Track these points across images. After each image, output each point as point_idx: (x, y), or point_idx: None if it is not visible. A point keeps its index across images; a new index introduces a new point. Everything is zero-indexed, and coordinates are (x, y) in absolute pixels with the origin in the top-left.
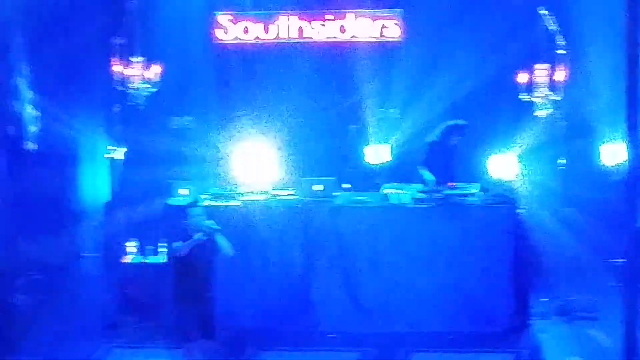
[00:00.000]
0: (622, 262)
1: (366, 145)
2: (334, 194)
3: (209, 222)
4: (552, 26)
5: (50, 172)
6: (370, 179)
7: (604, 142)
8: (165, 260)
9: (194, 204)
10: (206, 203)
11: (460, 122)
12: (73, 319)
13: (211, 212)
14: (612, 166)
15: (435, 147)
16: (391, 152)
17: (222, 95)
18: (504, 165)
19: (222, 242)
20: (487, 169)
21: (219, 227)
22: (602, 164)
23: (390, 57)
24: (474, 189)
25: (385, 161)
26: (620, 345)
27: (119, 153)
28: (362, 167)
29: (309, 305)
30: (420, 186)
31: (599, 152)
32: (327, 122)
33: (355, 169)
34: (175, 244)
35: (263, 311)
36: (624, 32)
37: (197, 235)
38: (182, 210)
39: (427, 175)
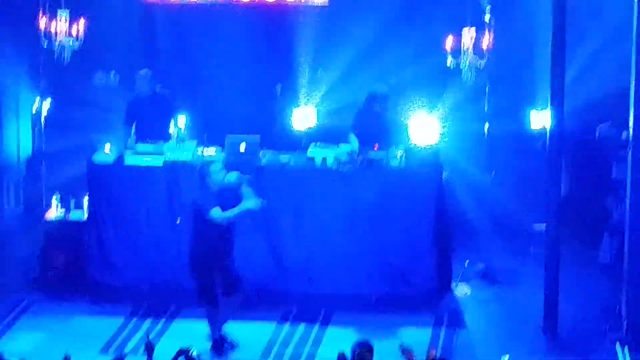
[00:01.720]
0: (543, 227)
1: (294, 106)
2: (259, 152)
3: (232, 175)
4: None
5: None
6: (296, 141)
7: (533, 108)
8: (86, 218)
9: (210, 161)
10: (128, 161)
11: (380, 91)
12: None
13: (133, 171)
14: (538, 132)
15: (360, 115)
16: (317, 115)
17: (148, 53)
18: (426, 129)
19: (247, 194)
20: (409, 133)
21: (244, 177)
22: (530, 129)
23: (317, 19)
24: (398, 151)
25: (311, 125)
26: (541, 310)
27: (43, 107)
28: (288, 130)
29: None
30: (346, 148)
31: (528, 118)
32: (254, 82)
33: (282, 131)
34: (214, 211)
35: (185, 271)
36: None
37: (246, 205)
38: (202, 168)
39: (354, 140)
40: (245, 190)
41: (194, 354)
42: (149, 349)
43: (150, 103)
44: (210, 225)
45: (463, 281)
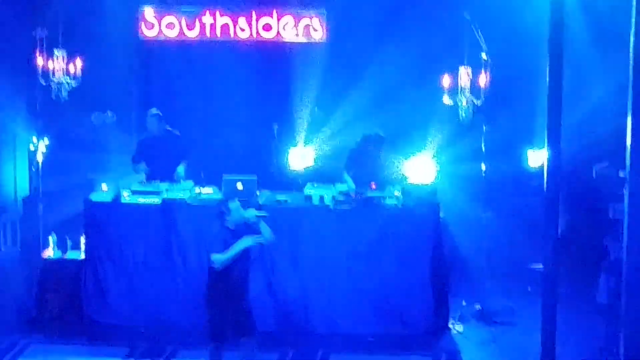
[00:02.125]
0: (540, 268)
1: (291, 146)
2: (256, 192)
3: (250, 212)
4: (476, 31)
5: None
6: (293, 181)
7: (530, 147)
8: (84, 257)
9: (229, 199)
10: (125, 200)
11: (376, 133)
12: None
13: (130, 210)
14: (535, 171)
15: (354, 155)
16: (315, 155)
17: (145, 92)
18: (423, 168)
19: (264, 230)
20: (405, 172)
21: (262, 214)
22: (527, 168)
23: (315, 57)
24: (395, 191)
25: (308, 165)
26: (538, 351)
27: (40, 146)
28: (285, 170)
29: None
30: (342, 187)
31: (524, 157)
32: (251, 121)
33: (278, 171)
34: (214, 256)
35: (183, 310)
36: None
37: (237, 246)
38: (219, 207)
39: (348, 180)
40: (263, 227)
41: None
42: None
43: (162, 142)
44: (227, 265)
45: (460, 322)
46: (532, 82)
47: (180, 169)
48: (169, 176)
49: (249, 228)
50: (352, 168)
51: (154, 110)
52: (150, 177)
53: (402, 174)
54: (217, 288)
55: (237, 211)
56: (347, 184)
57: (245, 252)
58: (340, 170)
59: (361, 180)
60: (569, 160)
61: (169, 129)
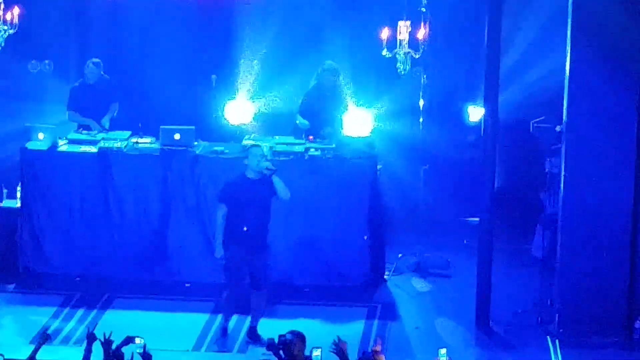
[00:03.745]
0: (477, 221)
1: (229, 99)
2: (194, 143)
3: (267, 164)
4: None
5: None
6: (232, 133)
7: (471, 104)
8: (19, 206)
9: (255, 145)
10: (62, 148)
11: (330, 64)
12: None
13: (67, 158)
14: (474, 125)
15: (312, 92)
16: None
17: (82, 41)
18: (360, 120)
19: (279, 184)
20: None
21: (275, 168)
22: (467, 124)
23: (254, 8)
24: (333, 142)
25: (247, 119)
26: (473, 303)
27: None
28: (223, 122)
29: (165, 255)
30: (282, 139)
31: (465, 112)
32: (189, 72)
33: (216, 123)
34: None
35: (119, 260)
36: None
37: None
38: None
39: (302, 121)
40: (277, 181)
41: (142, 342)
42: (91, 339)
43: (95, 89)
44: (246, 216)
45: (397, 274)
46: (473, 37)
47: (106, 120)
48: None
49: (262, 181)
50: (304, 109)
51: (95, 60)
52: (82, 124)
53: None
54: (233, 234)
55: (256, 158)
56: (300, 123)
57: (265, 201)
58: (282, 122)
59: (315, 119)
60: (506, 115)
61: (103, 74)
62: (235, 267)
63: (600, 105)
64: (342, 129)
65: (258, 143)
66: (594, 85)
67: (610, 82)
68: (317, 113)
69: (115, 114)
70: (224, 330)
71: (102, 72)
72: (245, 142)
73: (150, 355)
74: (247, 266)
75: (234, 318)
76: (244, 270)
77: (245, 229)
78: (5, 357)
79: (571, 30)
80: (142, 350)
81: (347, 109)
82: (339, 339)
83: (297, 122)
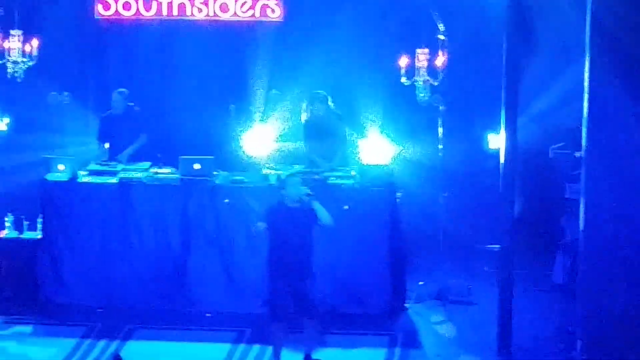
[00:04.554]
0: (497, 248)
1: (247, 128)
2: (213, 172)
3: (306, 190)
4: (433, 12)
5: None
6: (251, 163)
7: (490, 131)
8: (40, 237)
9: (293, 173)
10: (82, 179)
11: (313, 92)
12: None
13: (87, 189)
14: (493, 153)
15: (307, 124)
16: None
17: (100, 72)
18: (379, 148)
19: (320, 210)
20: (361, 152)
21: (314, 194)
22: (487, 150)
23: (272, 37)
24: (352, 171)
25: (265, 148)
26: (495, 330)
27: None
28: (242, 151)
29: (186, 284)
30: (300, 167)
31: (484, 139)
32: (208, 102)
33: (235, 152)
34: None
35: (140, 291)
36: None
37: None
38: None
39: (316, 159)
40: (318, 206)
41: None
42: None
43: (124, 120)
44: (288, 244)
45: (418, 302)
46: (491, 64)
47: (124, 155)
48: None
49: (302, 209)
50: (307, 141)
51: (120, 89)
52: (112, 154)
53: (359, 155)
54: (276, 264)
55: (293, 187)
56: (315, 163)
57: (307, 228)
58: (303, 151)
59: (323, 155)
60: (525, 141)
61: (131, 104)
62: (281, 297)
63: (620, 129)
64: (352, 153)
65: (294, 172)
66: (614, 110)
67: (631, 106)
68: (320, 144)
69: (142, 144)
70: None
71: (129, 103)
72: (265, 171)
73: None
74: (293, 296)
75: (257, 348)
76: (289, 301)
77: None
78: None
79: (590, 54)
80: None
81: (350, 133)
82: None
83: (311, 157)
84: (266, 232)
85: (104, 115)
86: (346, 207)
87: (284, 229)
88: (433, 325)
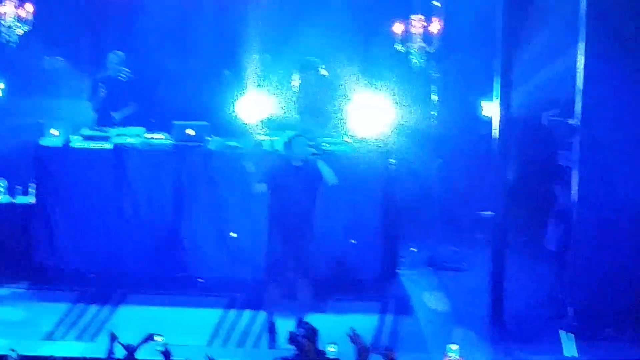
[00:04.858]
0: (490, 214)
1: (243, 94)
2: (207, 138)
3: (312, 150)
4: None
5: None
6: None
7: (485, 99)
8: (33, 202)
9: (297, 135)
10: (76, 145)
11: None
12: None
13: (81, 155)
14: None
15: (300, 92)
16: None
17: (94, 36)
18: (373, 115)
19: (325, 169)
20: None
21: (320, 153)
22: (481, 118)
23: (266, 2)
24: (345, 137)
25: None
26: (486, 296)
27: None
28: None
29: (178, 250)
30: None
31: (478, 107)
32: (202, 67)
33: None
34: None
35: (133, 256)
36: None
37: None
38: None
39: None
40: (322, 165)
41: (162, 340)
42: (113, 338)
43: (117, 84)
44: (291, 202)
45: (411, 268)
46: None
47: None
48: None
49: (307, 168)
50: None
51: (118, 52)
52: (101, 118)
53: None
54: (277, 223)
55: (299, 147)
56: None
57: (311, 187)
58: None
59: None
60: (519, 108)
61: (126, 70)
62: (279, 257)
63: (615, 97)
64: (345, 121)
65: (297, 134)
66: (609, 78)
67: (626, 74)
68: (314, 110)
69: (130, 112)
70: (271, 326)
71: (124, 68)
72: (259, 137)
73: (170, 353)
74: (292, 258)
75: (248, 313)
76: (287, 261)
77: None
78: (18, 352)
79: (586, 23)
80: (163, 348)
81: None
82: (354, 333)
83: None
84: (267, 191)
85: (98, 76)
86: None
87: (287, 187)
88: (425, 291)
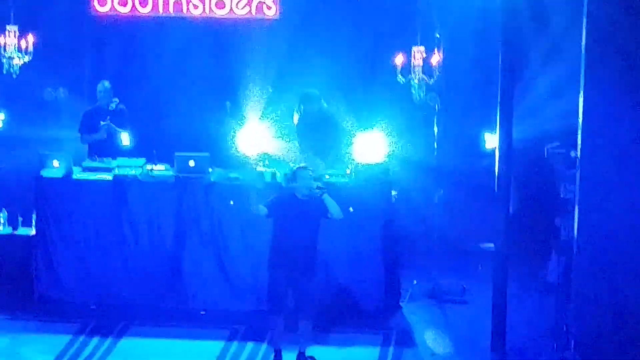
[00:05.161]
0: (491, 247)
1: (244, 125)
2: (208, 169)
3: (317, 184)
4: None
5: None
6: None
7: (487, 131)
8: (34, 233)
9: (302, 167)
10: (77, 176)
11: (303, 92)
12: None
13: (81, 186)
14: (488, 152)
15: (300, 123)
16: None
17: (97, 68)
18: (373, 146)
19: (331, 204)
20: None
21: (325, 188)
22: (483, 150)
23: (268, 34)
24: (347, 169)
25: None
26: (489, 329)
27: None
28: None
29: (180, 282)
30: (295, 165)
31: (482, 139)
32: (203, 99)
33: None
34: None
35: (135, 288)
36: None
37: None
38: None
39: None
40: (328, 200)
41: None
42: None
43: (108, 114)
44: (294, 235)
45: (413, 300)
46: (487, 63)
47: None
48: (111, 150)
49: (312, 202)
50: (304, 144)
51: (105, 83)
52: (92, 150)
53: (354, 153)
54: (279, 256)
55: (304, 180)
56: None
57: (315, 221)
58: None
59: (316, 154)
60: (520, 140)
61: (116, 100)
62: (281, 289)
63: (616, 129)
64: (346, 153)
65: (304, 165)
66: (610, 109)
67: (627, 106)
68: (313, 143)
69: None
70: (278, 354)
71: (114, 99)
72: (260, 169)
73: None
74: (293, 289)
75: (250, 345)
76: (289, 294)
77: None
78: None
79: (585, 55)
80: None
81: (344, 131)
82: None
83: (303, 153)
84: (271, 222)
85: (88, 109)
86: (351, 209)
87: (291, 220)
88: (427, 324)
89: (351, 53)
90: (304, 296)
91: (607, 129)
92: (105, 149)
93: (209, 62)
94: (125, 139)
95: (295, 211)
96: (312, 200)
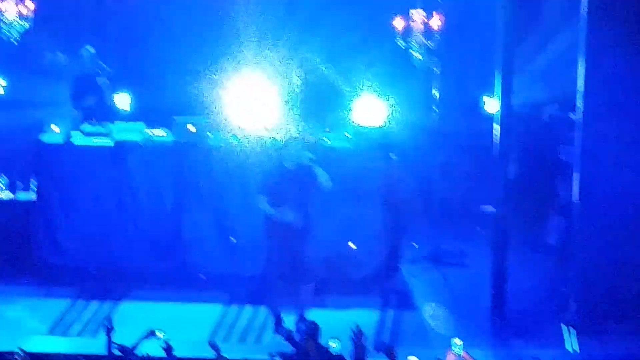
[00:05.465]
0: (491, 209)
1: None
2: (207, 133)
3: (308, 154)
4: None
5: None
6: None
7: (487, 94)
8: (34, 197)
9: (293, 137)
10: (76, 141)
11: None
12: None
13: (82, 151)
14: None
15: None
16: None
17: (98, 34)
18: (373, 110)
19: (321, 173)
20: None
21: (315, 158)
22: (482, 112)
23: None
24: (346, 133)
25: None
26: (488, 292)
27: None
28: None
29: (179, 246)
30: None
31: (479, 102)
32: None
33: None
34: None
35: (134, 252)
36: None
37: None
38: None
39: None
40: (318, 170)
41: (163, 336)
42: (109, 331)
43: (96, 80)
44: (286, 205)
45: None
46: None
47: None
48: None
49: (301, 171)
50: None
51: (88, 48)
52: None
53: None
54: (274, 226)
55: (294, 150)
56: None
57: (306, 190)
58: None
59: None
60: (520, 104)
61: (102, 64)
62: (279, 255)
63: (616, 91)
64: (346, 115)
65: (296, 135)
66: (611, 72)
67: (628, 68)
68: (312, 107)
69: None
70: (278, 319)
71: (101, 63)
72: (259, 132)
73: (172, 348)
74: (291, 255)
75: (249, 309)
76: (286, 262)
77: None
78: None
79: (588, 17)
80: (164, 344)
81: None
82: (358, 329)
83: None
84: (265, 191)
85: (75, 75)
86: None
87: (282, 190)
88: (427, 287)
89: (351, 17)
90: (301, 264)
91: (608, 90)
92: (99, 113)
93: (208, 24)
94: (124, 103)
95: (286, 181)
96: (301, 169)
